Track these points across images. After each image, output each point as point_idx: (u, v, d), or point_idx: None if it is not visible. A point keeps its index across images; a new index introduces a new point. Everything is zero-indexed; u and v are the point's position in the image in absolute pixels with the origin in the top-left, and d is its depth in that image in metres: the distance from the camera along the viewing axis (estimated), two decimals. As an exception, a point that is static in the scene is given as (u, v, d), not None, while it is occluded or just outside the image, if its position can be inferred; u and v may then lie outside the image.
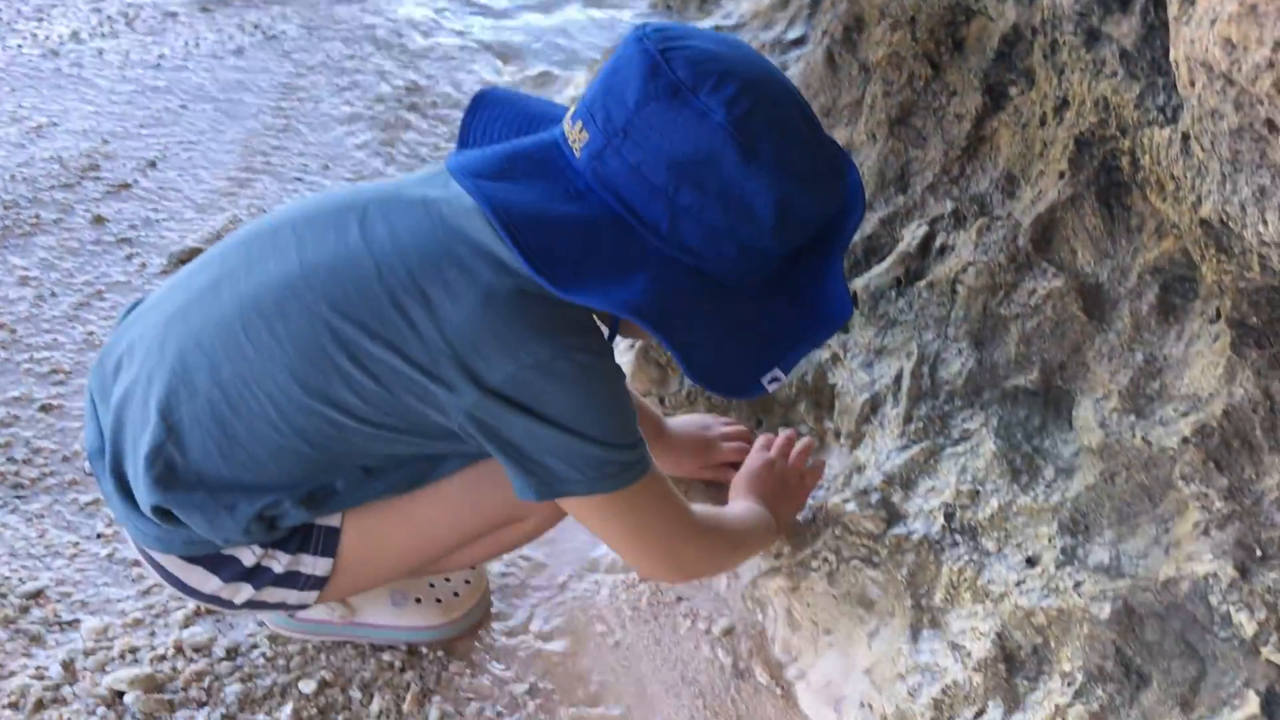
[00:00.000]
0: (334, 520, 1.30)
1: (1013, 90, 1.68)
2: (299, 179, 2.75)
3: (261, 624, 1.49)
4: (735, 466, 1.61)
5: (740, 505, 1.48)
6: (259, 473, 1.21)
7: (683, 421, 1.71)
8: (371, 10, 3.79)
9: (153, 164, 2.72)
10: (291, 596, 1.33)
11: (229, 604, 1.32)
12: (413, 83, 3.30)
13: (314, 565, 1.30)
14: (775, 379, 1.18)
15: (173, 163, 2.74)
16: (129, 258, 2.34)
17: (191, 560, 1.28)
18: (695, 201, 1.10)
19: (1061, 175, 1.52)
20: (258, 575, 1.29)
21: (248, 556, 1.28)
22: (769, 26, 2.73)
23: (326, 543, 1.30)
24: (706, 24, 3.22)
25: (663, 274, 1.12)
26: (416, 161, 2.91)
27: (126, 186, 2.61)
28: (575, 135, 1.14)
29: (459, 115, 3.08)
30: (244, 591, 1.30)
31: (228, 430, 1.20)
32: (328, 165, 2.82)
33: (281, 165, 2.81)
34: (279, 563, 1.29)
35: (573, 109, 1.18)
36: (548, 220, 1.11)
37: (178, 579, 1.31)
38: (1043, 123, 1.59)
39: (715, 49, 1.12)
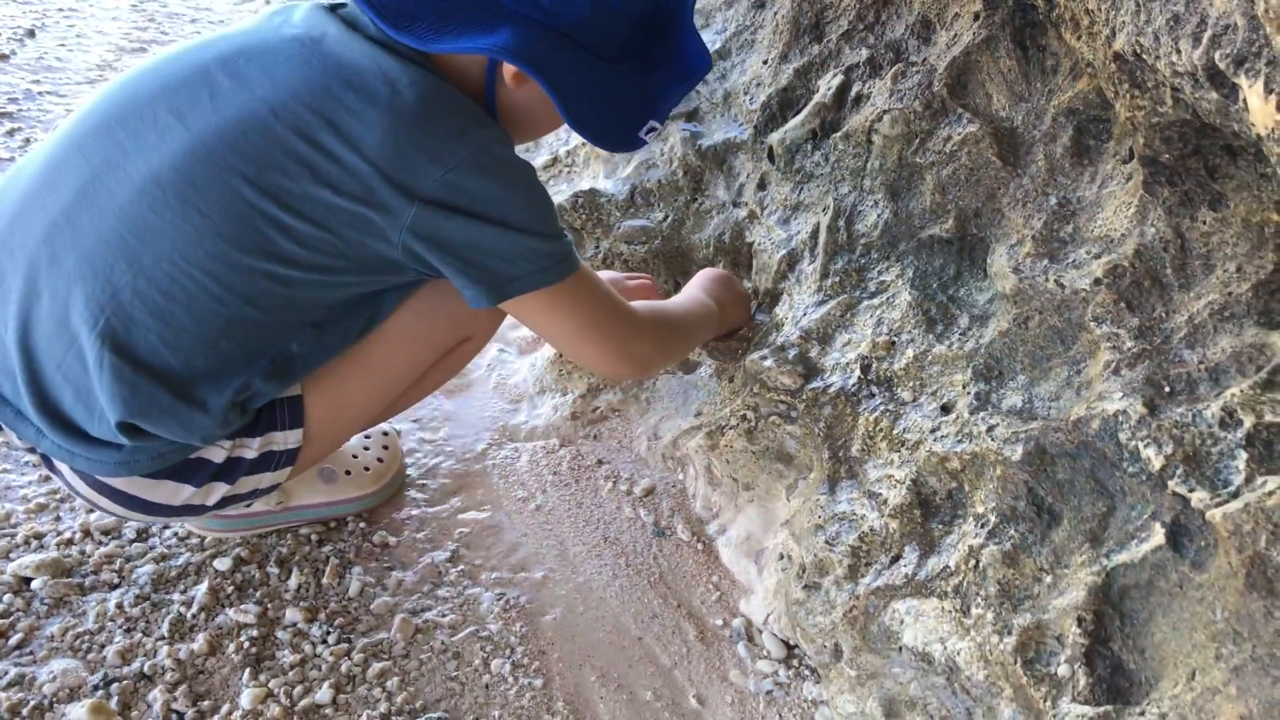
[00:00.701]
0: (294, 390, 1.25)
1: (929, -70, 1.62)
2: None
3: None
4: None
5: (686, 295, 1.48)
6: (214, 355, 1.13)
7: None
8: None
9: (31, 33, 2.56)
10: (266, 479, 1.27)
11: (200, 509, 1.25)
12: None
13: (285, 440, 1.25)
14: (651, 129, 1.21)
15: (53, 31, 2.58)
16: (10, 133, 2.21)
17: (156, 476, 1.19)
18: None
19: (977, 17, 1.48)
20: (231, 469, 1.22)
21: (218, 454, 1.21)
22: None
23: (293, 414, 1.24)
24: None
25: (524, 30, 1.11)
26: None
27: (4, 57, 2.45)
28: None
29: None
30: (218, 490, 1.23)
31: (169, 319, 1.10)
32: (225, 21, 2.67)
33: (173, 31, 2.66)
34: (250, 449, 1.23)
35: None
36: None
37: (141, 500, 1.21)
38: (959, -37, 1.54)
39: None
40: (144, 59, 1.21)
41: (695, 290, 1.52)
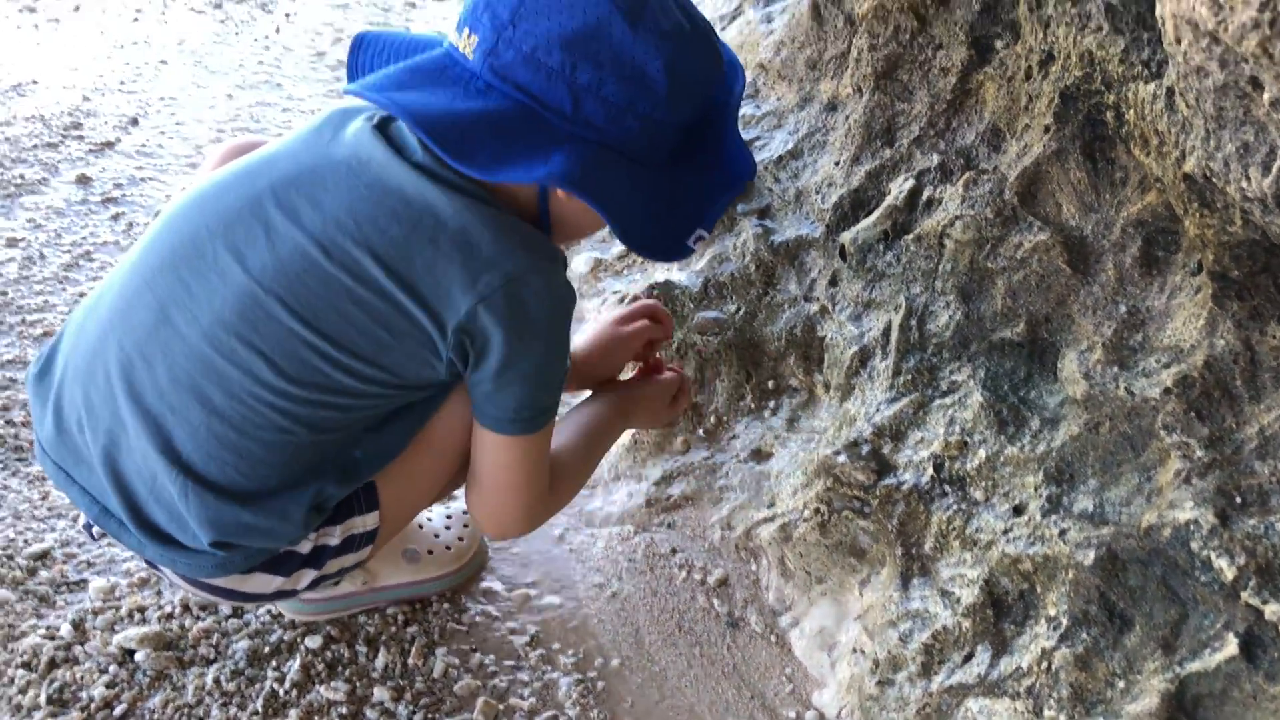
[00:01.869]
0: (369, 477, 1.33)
1: (998, 44, 1.69)
2: (283, 134, 2.74)
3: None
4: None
5: (596, 417, 1.50)
6: (287, 475, 1.22)
7: (585, 336, 1.64)
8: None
9: (135, 121, 2.71)
10: (350, 559, 1.35)
11: (293, 593, 1.34)
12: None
13: (364, 523, 1.32)
14: (699, 237, 1.24)
15: (155, 120, 2.73)
16: (115, 217, 2.34)
17: (249, 571, 1.28)
18: (593, 77, 1.12)
19: (1047, 129, 1.54)
20: (317, 556, 1.30)
21: (304, 545, 1.29)
22: (753, -24, 2.72)
23: (368, 499, 1.32)
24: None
25: (576, 152, 1.15)
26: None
27: (110, 145, 2.59)
28: (465, 42, 1.15)
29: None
30: (307, 576, 1.31)
31: (242, 451, 1.19)
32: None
33: (264, 120, 2.80)
34: (333, 537, 1.31)
35: (457, 21, 1.19)
36: (459, 117, 1.13)
37: (236, 592, 1.30)
38: (1028, 77, 1.61)
39: None
40: (208, 177, 1.27)
41: (608, 407, 1.53)
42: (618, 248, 2.20)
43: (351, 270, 1.15)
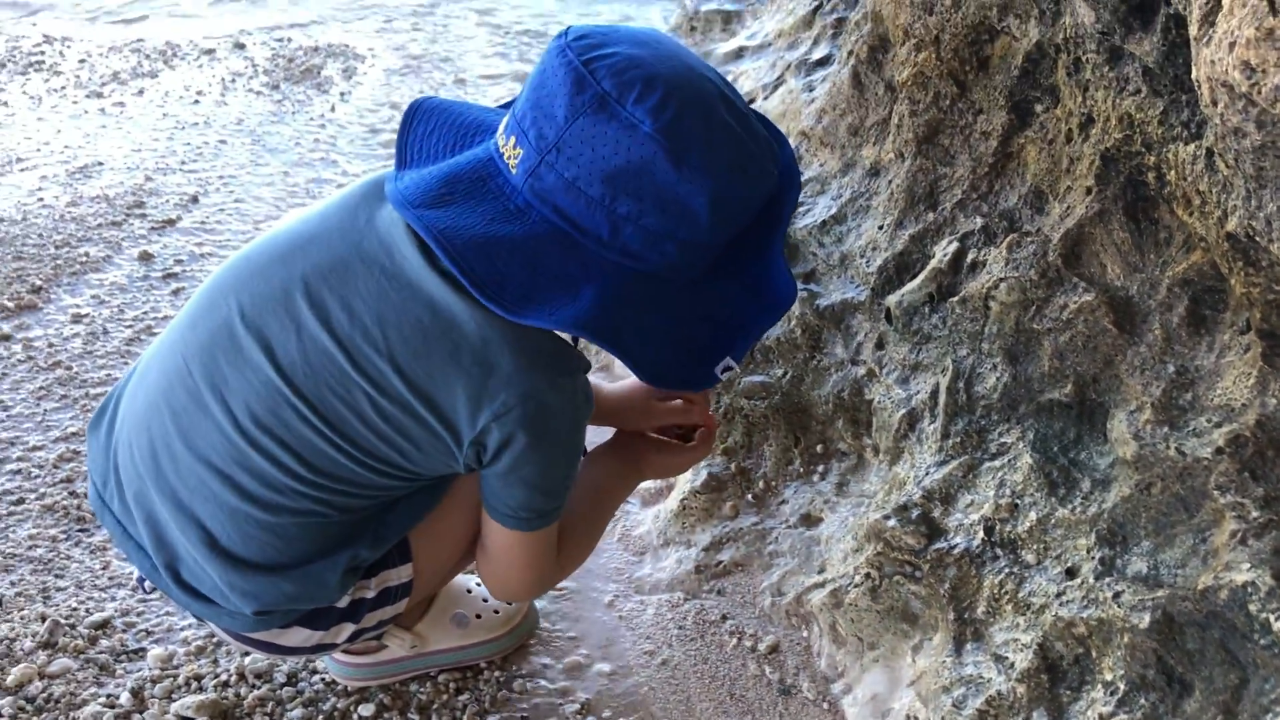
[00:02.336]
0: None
1: (1038, 107, 1.71)
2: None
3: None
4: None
5: (606, 475, 1.49)
6: (321, 546, 1.25)
7: (623, 384, 1.65)
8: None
9: (195, 199, 2.80)
10: (388, 612, 1.37)
11: (332, 646, 1.36)
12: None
13: (398, 575, 1.35)
14: (728, 367, 1.20)
15: (214, 197, 2.82)
16: (175, 292, 2.41)
17: (287, 626, 1.31)
18: (633, 209, 1.10)
19: (1089, 191, 1.54)
20: (354, 610, 1.33)
21: (342, 600, 1.31)
22: (794, 46, 2.77)
23: (401, 552, 1.34)
24: (730, 45, 3.27)
25: (609, 282, 1.13)
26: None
27: (171, 222, 2.68)
28: (510, 151, 1.14)
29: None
30: (346, 630, 1.34)
31: (278, 531, 1.22)
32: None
33: (319, 194, 2.87)
34: (369, 590, 1.33)
35: (506, 120, 1.18)
36: (492, 244, 1.11)
37: (276, 645, 1.33)
38: (1069, 139, 1.62)
39: (636, 53, 1.11)
40: (250, 254, 1.28)
41: (622, 463, 1.52)
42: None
43: (374, 380, 1.17)
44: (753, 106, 2.61)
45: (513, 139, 1.14)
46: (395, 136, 3.14)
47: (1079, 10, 1.51)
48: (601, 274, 1.13)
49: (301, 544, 1.23)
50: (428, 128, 1.26)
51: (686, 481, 1.82)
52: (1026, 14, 1.68)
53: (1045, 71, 1.69)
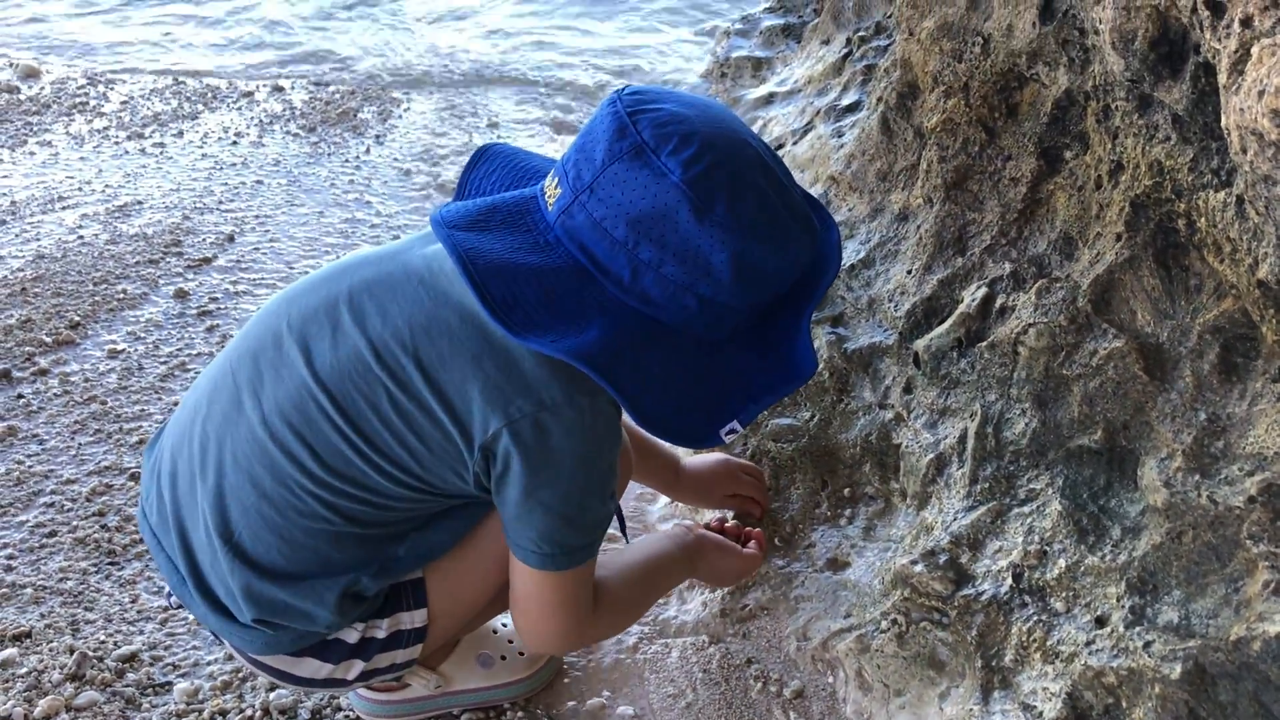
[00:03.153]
0: (416, 573, 1.36)
1: (1067, 154, 1.71)
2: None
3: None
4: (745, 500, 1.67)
5: (659, 555, 1.51)
6: (325, 563, 1.26)
7: (703, 458, 1.78)
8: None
9: (231, 238, 2.84)
10: (400, 656, 1.37)
11: (343, 683, 1.36)
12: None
13: (411, 619, 1.35)
14: (733, 430, 1.20)
15: (250, 236, 2.86)
16: (210, 330, 2.44)
17: (299, 654, 1.32)
18: (654, 256, 1.13)
19: (1119, 237, 1.54)
20: (365, 648, 1.34)
21: (351, 635, 1.33)
22: (823, 93, 2.79)
23: (416, 596, 1.34)
24: (760, 91, 3.29)
25: (620, 324, 1.15)
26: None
27: (207, 261, 2.72)
28: (551, 190, 1.19)
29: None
30: (356, 667, 1.34)
31: (285, 535, 1.24)
32: (398, 236, 2.91)
33: (353, 235, 2.91)
34: (380, 629, 1.34)
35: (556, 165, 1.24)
36: (512, 268, 1.15)
37: (289, 674, 1.34)
38: (1098, 186, 1.62)
39: (683, 111, 1.15)
40: (308, 276, 1.35)
41: (679, 549, 1.55)
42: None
43: (395, 376, 1.20)
44: (781, 152, 2.63)
45: (555, 180, 1.20)
46: (427, 179, 3.19)
47: (1108, 59, 1.51)
48: (615, 315, 1.16)
49: (307, 553, 1.25)
50: (489, 168, 1.34)
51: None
52: (1055, 62, 1.69)
53: (1074, 118, 1.70)
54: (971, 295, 1.76)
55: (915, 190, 2.02)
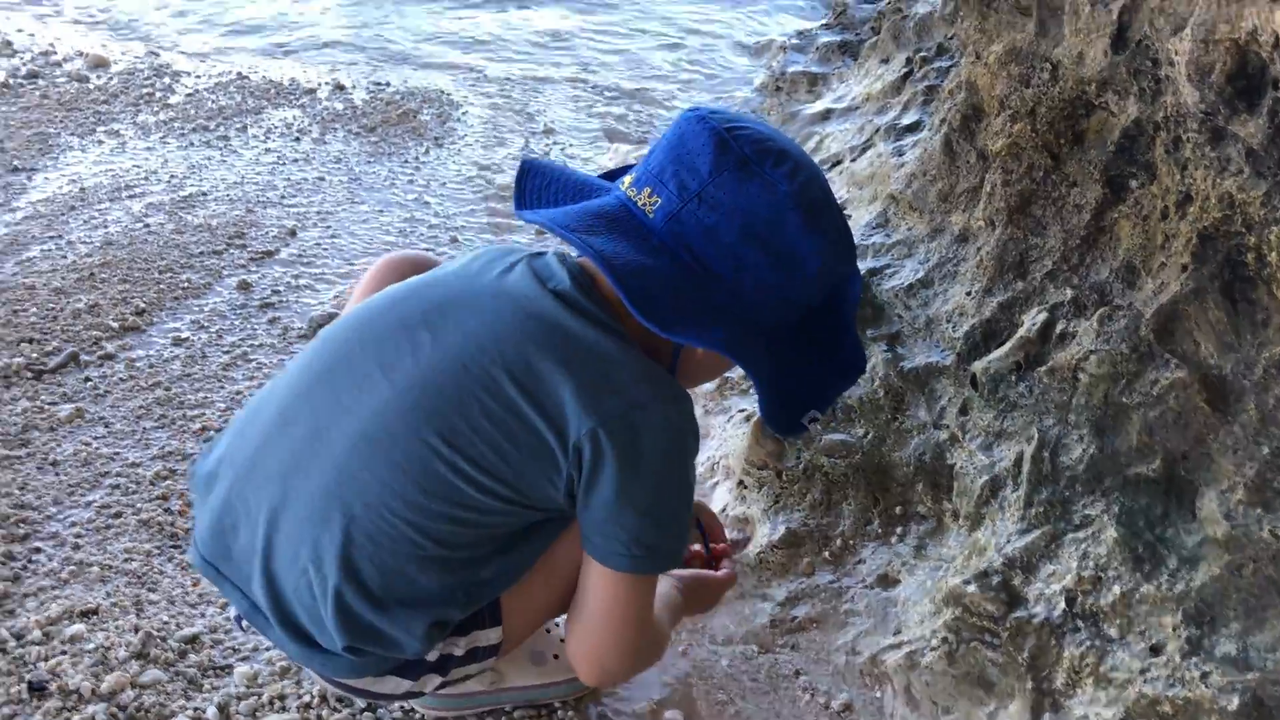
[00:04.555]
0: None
1: (1133, 182, 1.72)
2: (428, 249, 2.89)
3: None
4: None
5: (666, 599, 1.51)
6: (415, 589, 1.27)
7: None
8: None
9: (293, 232, 2.89)
10: (474, 669, 1.40)
11: (419, 694, 1.40)
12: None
13: (487, 636, 1.38)
14: (813, 419, 1.33)
15: (311, 232, 2.91)
16: (272, 322, 2.49)
17: (380, 674, 1.34)
18: (758, 259, 1.24)
19: (1184, 269, 1.55)
20: (443, 664, 1.36)
21: (431, 653, 1.35)
22: (883, 111, 2.81)
23: (492, 614, 1.37)
24: (818, 106, 3.31)
25: (732, 321, 1.25)
26: (532, 235, 3.03)
27: (270, 254, 2.77)
28: (645, 200, 1.26)
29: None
30: (434, 681, 1.37)
31: (375, 561, 1.26)
32: (455, 237, 2.96)
33: (411, 234, 2.95)
34: (458, 647, 1.36)
35: (631, 177, 1.31)
36: (644, 270, 1.22)
37: (370, 692, 1.38)
38: (1164, 216, 1.62)
39: (766, 130, 1.28)
40: (370, 301, 1.37)
41: (672, 595, 1.55)
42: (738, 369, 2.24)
43: (486, 386, 1.23)
44: (839, 168, 2.65)
45: (648, 189, 1.27)
46: (483, 184, 3.23)
47: (1182, 90, 1.52)
48: (726, 313, 1.25)
49: (400, 580, 1.26)
50: (543, 180, 1.38)
51: (764, 535, 1.84)
52: (1126, 91, 1.70)
53: (1142, 148, 1.70)
54: (1032, 320, 1.77)
55: (977, 212, 2.03)
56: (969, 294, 1.95)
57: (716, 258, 1.24)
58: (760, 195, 1.23)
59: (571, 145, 3.58)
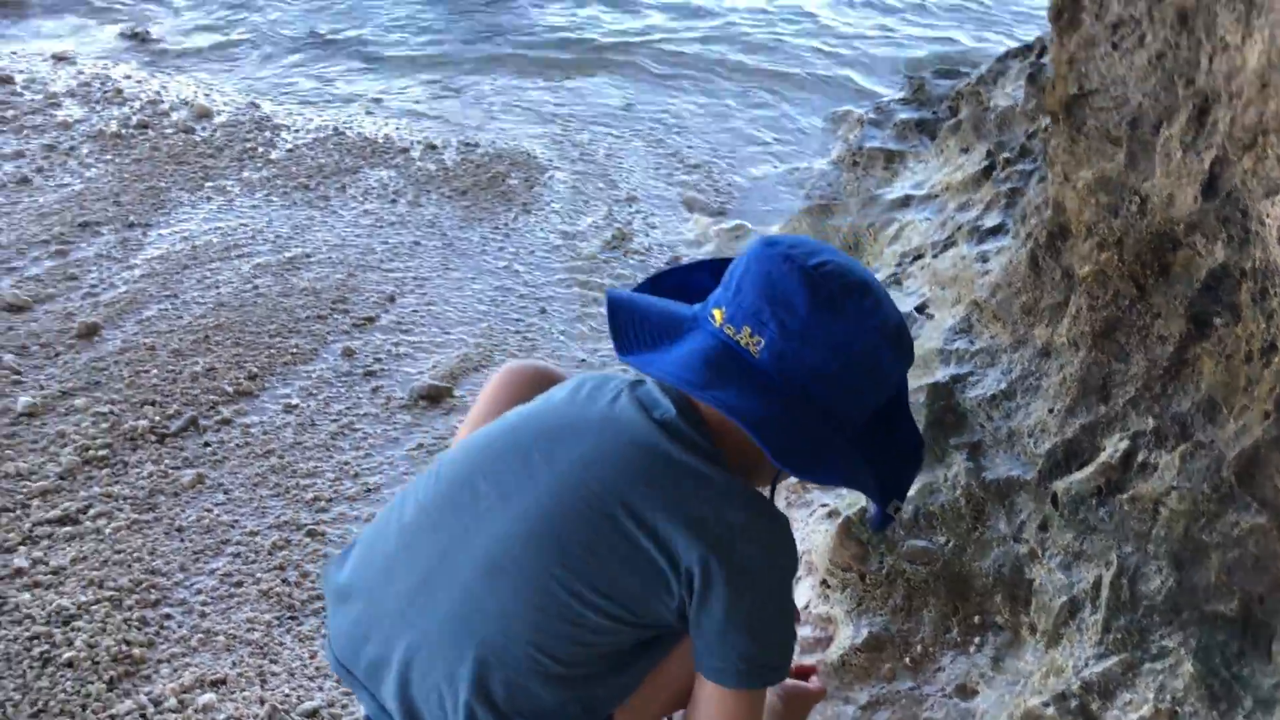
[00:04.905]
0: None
1: (1217, 321, 1.80)
2: (518, 319, 3.02)
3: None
4: None
5: (770, 705, 1.60)
6: (537, 703, 1.37)
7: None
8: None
9: (392, 298, 3.03)
10: None
11: None
12: (618, 229, 3.56)
13: None
14: (896, 507, 1.43)
15: (408, 298, 3.05)
16: (375, 391, 2.62)
17: None
18: (857, 385, 1.37)
19: (1267, 415, 1.63)
20: None
21: None
22: (965, 208, 2.90)
23: None
24: (897, 192, 3.41)
25: (841, 444, 1.37)
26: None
27: (371, 320, 2.91)
28: (747, 339, 1.36)
29: (656, 262, 3.34)
30: None
31: (504, 679, 1.35)
32: (544, 308, 3.08)
33: (503, 304, 3.08)
34: None
35: (722, 312, 1.39)
36: (772, 421, 1.32)
37: None
38: (1248, 359, 1.71)
39: (843, 260, 1.38)
40: (489, 430, 1.47)
41: (774, 704, 1.64)
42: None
43: (602, 516, 1.33)
44: (920, 263, 2.74)
45: (747, 329, 1.37)
46: (569, 254, 3.35)
47: (1271, 249, 1.61)
48: (836, 439, 1.37)
49: (523, 696, 1.35)
50: (631, 318, 1.47)
51: (847, 637, 1.93)
52: (1214, 236, 1.79)
53: (1228, 289, 1.79)
54: (1114, 446, 1.86)
55: (1060, 329, 2.12)
56: (1051, 411, 2.03)
57: (822, 392, 1.35)
58: (853, 330, 1.34)
59: (653, 214, 3.71)
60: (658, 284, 1.58)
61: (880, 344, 1.36)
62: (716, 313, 1.41)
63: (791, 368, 1.34)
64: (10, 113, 3.90)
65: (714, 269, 1.54)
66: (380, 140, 4.01)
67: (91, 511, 2.14)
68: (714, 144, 4.29)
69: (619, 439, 1.38)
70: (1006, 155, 2.88)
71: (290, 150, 3.86)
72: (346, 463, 2.37)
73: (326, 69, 4.78)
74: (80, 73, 4.36)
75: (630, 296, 1.53)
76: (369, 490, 2.30)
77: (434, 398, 2.62)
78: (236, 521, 2.17)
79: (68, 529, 2.09)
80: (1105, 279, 2.00)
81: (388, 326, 2.90)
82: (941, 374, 2.27)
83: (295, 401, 2.54)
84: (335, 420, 2.50)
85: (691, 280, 1.57)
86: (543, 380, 1.69)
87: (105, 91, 4.17)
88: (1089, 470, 1.87)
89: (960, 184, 3.10)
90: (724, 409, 1.31)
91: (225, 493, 2.24)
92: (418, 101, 4.48)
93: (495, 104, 4.52)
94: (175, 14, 5.28)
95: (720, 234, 3.57)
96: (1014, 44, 4.38)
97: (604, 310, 3.05)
